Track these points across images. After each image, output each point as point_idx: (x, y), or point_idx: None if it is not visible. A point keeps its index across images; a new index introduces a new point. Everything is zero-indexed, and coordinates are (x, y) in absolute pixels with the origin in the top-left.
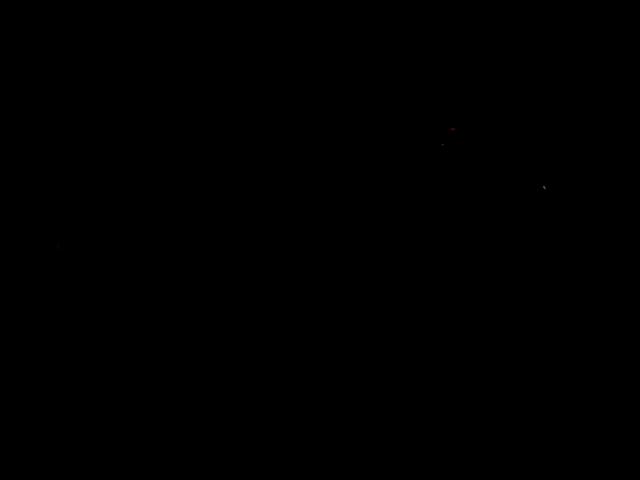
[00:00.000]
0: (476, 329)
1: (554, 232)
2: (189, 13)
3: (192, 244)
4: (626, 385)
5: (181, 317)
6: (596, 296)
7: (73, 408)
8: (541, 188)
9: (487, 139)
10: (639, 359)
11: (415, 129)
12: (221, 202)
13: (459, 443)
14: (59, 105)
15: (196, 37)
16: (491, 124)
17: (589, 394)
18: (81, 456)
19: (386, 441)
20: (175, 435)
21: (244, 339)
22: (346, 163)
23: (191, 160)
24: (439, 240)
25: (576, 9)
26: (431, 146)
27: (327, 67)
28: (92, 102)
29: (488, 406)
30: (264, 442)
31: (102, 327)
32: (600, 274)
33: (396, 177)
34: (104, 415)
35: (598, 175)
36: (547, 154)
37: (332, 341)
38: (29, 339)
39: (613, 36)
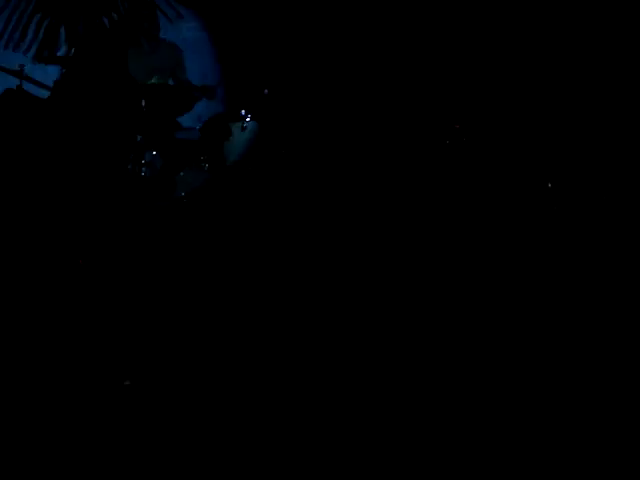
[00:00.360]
0: (476, 328)
1: (559, 228)
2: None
3: (193, 244)
4: (626, 385)
5: (182, 317)
6: (599, 294)
7: (74, 408)
8: (546, 185)
9: (492, 136)
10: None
11: (420, 126)
12: (222, 204)
13: (459, 443)
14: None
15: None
16: (496, 121)
17: (589, 394)
18: (81, 456)
19: (386, 441)
20: (175, 435)
21: (244, 339)
22: (350, 160)
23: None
24: (443, 236)
25: (577, 9)
26: (436, 143)
27: (333, 64)
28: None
29: (488, 406)
30: (264, 442)
31: (105, 326)
32: (604, 271)
33: (401, 174)
34: (104, 415)
35: (604, 172)
36: (552, 151)
37: (332, 341)
38: (34, 339)
39: (615, 35)
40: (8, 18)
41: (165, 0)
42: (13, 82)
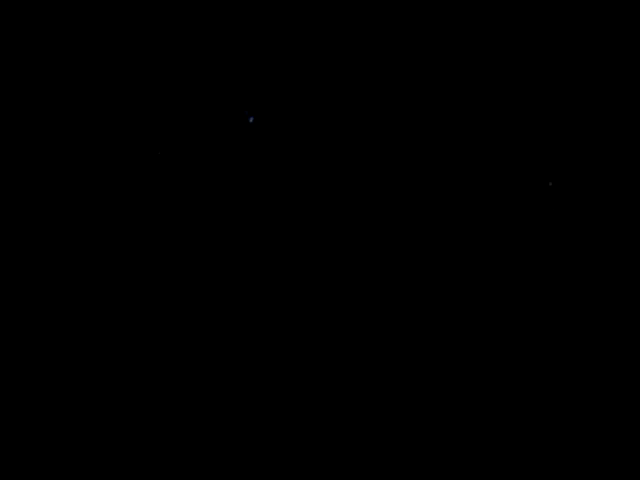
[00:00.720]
0: (476, 330)
1: (560, 229)
2: (189, 12)
3: (192, 244)
4: (626, 385)
5: (181, 317)
6: (600, 296)
7: (73, 408)
8: (547, 185)
9: (492, 134)
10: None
11: (418, 126)
12: (220, 203)
13: (459, 443)
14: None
15: (195, 36)
16: (496, 119)
17: (589, 395)
18: (81, 456)
19: (386, 441)
20: (175, 435)
21: (244, 339)
22: (347, 163)
23: (190, 161)
24: (442, 239)
25: (577, 9)
26: (435, 144)
27: (330, 65)
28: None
29: (488, 406)
30: (264, 442)
31: (103, 328)
32: (605, 273)
33: (399, 176)
34: (104, 415)
35: (605, 172)
36: (553, 150)
37: (332, 341)
38: (31, 339)
39: (615, 34)
40: None
41: None
42: None
